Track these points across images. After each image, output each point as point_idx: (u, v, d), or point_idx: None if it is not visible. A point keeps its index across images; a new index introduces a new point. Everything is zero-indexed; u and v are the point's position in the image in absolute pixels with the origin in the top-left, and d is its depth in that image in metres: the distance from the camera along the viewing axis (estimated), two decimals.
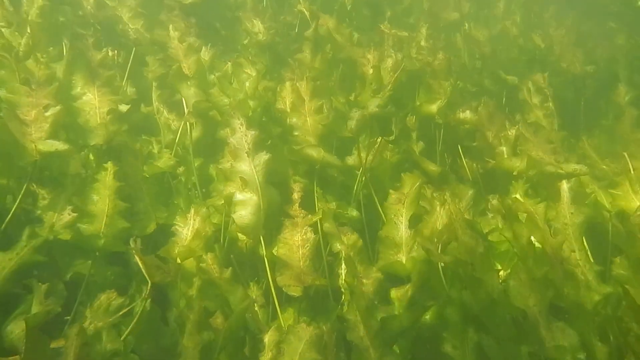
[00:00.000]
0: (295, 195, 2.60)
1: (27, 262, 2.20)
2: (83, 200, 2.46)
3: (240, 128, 2.47)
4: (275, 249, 2.45)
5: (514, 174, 2.81)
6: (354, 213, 2.76)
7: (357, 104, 2.92)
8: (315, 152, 2.78)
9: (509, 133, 2.95)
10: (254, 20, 3.67)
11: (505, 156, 2.92)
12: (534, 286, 2.03)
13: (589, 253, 2.33)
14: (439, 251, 2.15)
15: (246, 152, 2.44)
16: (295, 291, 2.25)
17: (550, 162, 2.79)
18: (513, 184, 2.79)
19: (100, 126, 2.74)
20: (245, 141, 2.46)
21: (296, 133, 2.86)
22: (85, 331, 1.83)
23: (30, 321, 1.78)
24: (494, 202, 2.22)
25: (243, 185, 2.37)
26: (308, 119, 2.91)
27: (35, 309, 2.02)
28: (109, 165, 2.59)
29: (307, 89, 2.98)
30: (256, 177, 2.40)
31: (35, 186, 2.48)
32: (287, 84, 3.08)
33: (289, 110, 2.98)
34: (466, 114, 3.11)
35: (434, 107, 3.03)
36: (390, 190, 2.59)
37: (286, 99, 3.04)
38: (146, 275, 2.18)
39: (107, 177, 2.55)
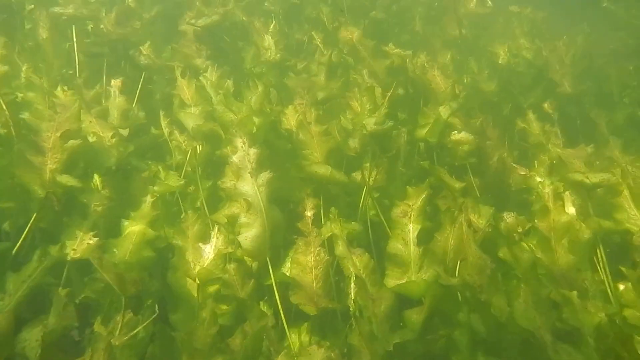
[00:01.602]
0: (309, 213, 2.55)
1: (39, 284, 2.20)
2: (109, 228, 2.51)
3: (242, 147, 2.47)
4: (287, 268, 2.43)
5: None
6: (359, 228, 2.73)
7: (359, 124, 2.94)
8: (323, 170, 2.77)
9: (545, 158, 2.91)
10: (265, 36, 3.71)
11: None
12: (540, 308, 2.02)
13: (606, 269, 2.30)
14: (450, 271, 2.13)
15: (249, 172, 2.44)
16: (309, 310, 2.24)
17: (577, 170, 2.72)
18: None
19: (110, 149, 2.79)
20: (248, 160, 2.46)
21: (304, 151, 2.85)
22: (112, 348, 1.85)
23: (47, 337, 1.79)
24: (509, 220, 2.19)
25: (247, 207, 2.37)
26: (315, 139, 2.90)
27: (52, 320, 2.03)
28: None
29: (314, 113, 2.97)
30: (260, 198, 2.40)
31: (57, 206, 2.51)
32: (291, 107, 3.09)
33: (294, 129, 2.96)
34: (462, 135, 3.07)
35: (423, 131, 3.04)
36: (396, 201, 2.56)
37: (292, 119, 3.04)
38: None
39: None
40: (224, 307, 2.40)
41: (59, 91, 2.82)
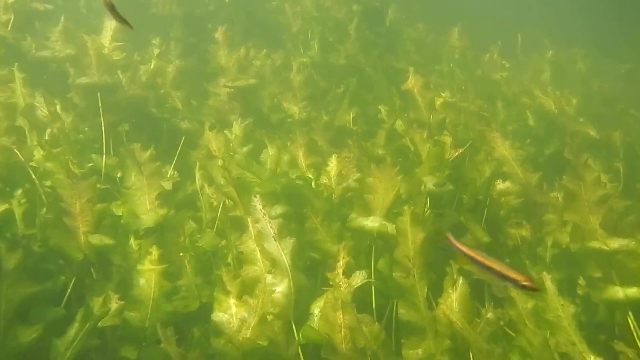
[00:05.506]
0: (341, 263, 2.45)
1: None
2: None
3: (263, 217, 2.59)
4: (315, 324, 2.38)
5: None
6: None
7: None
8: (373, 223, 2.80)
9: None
10: (289, 105, 3.91)
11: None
12: None
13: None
14: None
15: (272, 237, 2.55)
16: None
17: (594, 237, 2.65)
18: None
19: (150, 211, 2.98)
20: (270, 227, 2.57)
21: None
22: None
23: None
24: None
25: (272, 267, 2.48)
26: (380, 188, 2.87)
27: None
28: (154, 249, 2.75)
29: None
30: (285, 260, 2.50)
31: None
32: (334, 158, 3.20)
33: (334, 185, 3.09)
34: (506, 185, 3.11)
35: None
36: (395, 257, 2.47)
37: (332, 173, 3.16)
38: None
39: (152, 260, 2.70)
40: None
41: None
